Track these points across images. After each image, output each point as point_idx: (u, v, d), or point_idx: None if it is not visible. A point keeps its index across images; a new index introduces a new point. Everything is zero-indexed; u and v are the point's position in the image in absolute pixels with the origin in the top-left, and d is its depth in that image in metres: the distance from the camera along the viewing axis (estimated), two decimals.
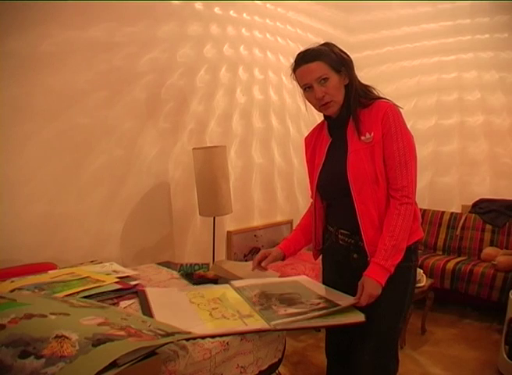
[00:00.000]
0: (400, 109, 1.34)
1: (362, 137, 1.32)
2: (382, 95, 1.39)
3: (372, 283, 1.24)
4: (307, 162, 1.53)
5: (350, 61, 1.37)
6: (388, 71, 4.00)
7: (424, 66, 3.82)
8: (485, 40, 3.52)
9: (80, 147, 2.21)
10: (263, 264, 1.49)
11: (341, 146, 1.37)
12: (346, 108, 1.35)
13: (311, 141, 1.52)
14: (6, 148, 1.93)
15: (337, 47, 1.38)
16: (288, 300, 1.32)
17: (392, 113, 1.29)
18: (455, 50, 3.65)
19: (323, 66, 1.31)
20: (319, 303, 1.28)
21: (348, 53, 1.39)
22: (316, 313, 1.18)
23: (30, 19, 1.96)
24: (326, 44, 1.37)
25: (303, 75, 1.34)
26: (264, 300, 1.32)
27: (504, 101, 3.47)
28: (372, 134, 1.30)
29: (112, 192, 2.36)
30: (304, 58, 1.34)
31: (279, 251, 1.51)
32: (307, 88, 1.36)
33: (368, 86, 1.40)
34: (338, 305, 1.24)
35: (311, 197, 1.51)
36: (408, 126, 1.35)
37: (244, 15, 3.07)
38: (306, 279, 1.59)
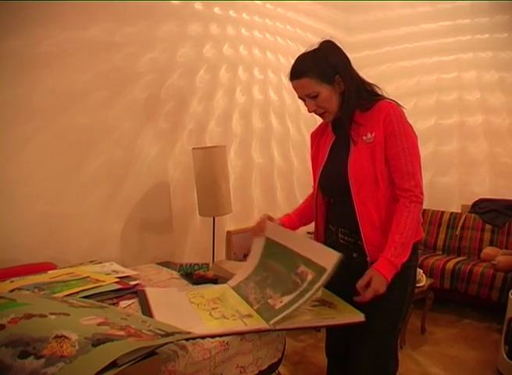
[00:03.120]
0: (403, 109, 1.33)
1: (363, 137, 1.32)
2: (385, 95, 1.38)
3: (380, 279, 1.22)
4: (311, 157, 1.54)
5: (345, 64, 1.34)
6: (387, 71, 4.00)
7: (424, 66, 3.82)
8: (485, 40, 3.52)
9: (80, 147, 2.21)
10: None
11: (343, 145, 1.37)
12: (345, 111, 1.34)
13: (317, 136, 1.53)
14: (6, 148, 1.93)
15: (336, 47, 1.35)
16: (281, 285, 1.29)
17: (394, 114, 1.28)
18: (455, 50, 3.66)
19: (310, 83, 1.30)
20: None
21: (347, 54, 1.36)
22: (310, 295, 1.16)
23: (30, 19, 1.96)
24: (324, 46, 1.34)
25: (294, 89, 1.37)
26: (260, 295, 1.31)
27: (504, 101, 3.48)
28: (374, 135, 1.29)
29: (111, 192, 2.36)
30: (292, 74, 1.34)
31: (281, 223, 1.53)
32: (301, 99, 1.38)
33: (373, 85, 1.38)
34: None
35: (313, 189, 1.52)
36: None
37: (244, 15, 3.07)
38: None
